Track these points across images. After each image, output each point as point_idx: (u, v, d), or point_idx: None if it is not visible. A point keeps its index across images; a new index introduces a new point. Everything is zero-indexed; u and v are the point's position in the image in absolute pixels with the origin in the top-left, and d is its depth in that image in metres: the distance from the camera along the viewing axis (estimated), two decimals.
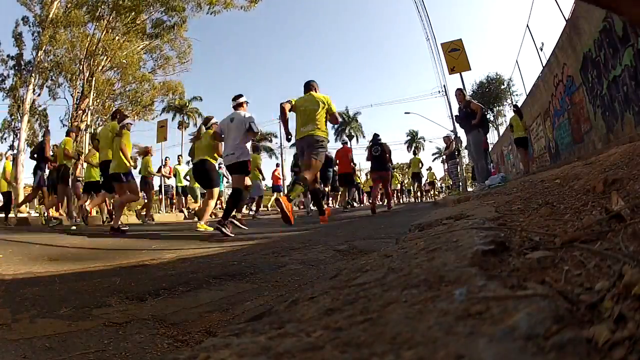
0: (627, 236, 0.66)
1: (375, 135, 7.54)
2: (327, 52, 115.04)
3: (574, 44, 6.73)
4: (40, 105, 13.56)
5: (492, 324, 0.40)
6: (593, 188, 1.34)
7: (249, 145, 4.37)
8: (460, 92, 6.57)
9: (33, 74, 12.87)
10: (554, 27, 8.66)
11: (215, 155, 4.73)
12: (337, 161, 9.09)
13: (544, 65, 9.08)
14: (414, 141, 42.08)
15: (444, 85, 12.80)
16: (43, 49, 12.86)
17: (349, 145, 10.68)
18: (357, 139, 37.95)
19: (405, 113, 23.06)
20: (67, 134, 6.88)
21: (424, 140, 41.13)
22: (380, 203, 12.28)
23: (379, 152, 7.26)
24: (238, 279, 1.72)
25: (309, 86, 4.81)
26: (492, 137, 20.73)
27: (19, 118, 12.88)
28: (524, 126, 8.70)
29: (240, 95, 4.42)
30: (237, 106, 4.38)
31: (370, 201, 7.52)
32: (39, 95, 13.39)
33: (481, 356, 0.34)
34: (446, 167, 15.43)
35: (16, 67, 13.25)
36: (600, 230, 0.76)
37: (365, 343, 0.41)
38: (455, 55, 7.72)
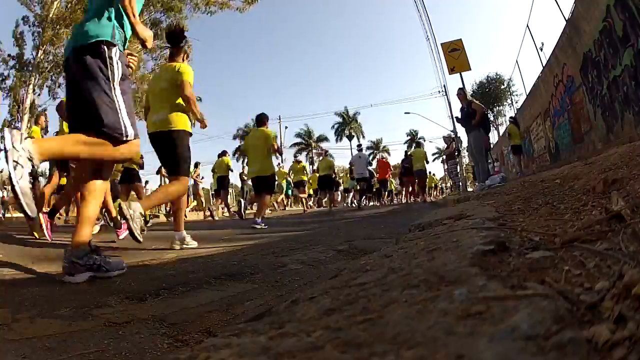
0: (627, 236, 0.66)
1: (406, 152, 12.50)
2: (327, 52, 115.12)
3: (574, 44, 6.73)
4: (40, 105, 13.52)
5: (492, 324, 0.40)
6: (593, 188, 1.34)
7: (370, 168, 9.65)
8: (462, 92, 6.58)
9: (33, 74, 12.83)
10: (554, 27, 8.67)
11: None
12: (378, 170, 12.49)
13: (544, 65, 9.08)
14: (414, 141, 41.93)
15: (444, 85, 12.86)
16: (43, 48, 12.82)
17: (345, 147, 14.84)
18: (358, 139, 37.98)
19: (405, 113, 22.93)
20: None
21: (424, 140, 40.96)
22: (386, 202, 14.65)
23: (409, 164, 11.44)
24: (238, 279, 1.72)
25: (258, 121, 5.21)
26: (492, 137, 20.77)
27: (19, 118, 12.83)
28: (521, 135, 10.47)
29: (360, 144, 11.06)
30: (359, 150, 10.25)
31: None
32: (39, 95, 13.34)
33: (481, 356, 0.34)
34: (446, 167, 15.99)
35: (17, 67, 13.21)
36: (600, 230, 0.76)
37: (365, 343, 0.41)
38: (455, 55, 7.73)
